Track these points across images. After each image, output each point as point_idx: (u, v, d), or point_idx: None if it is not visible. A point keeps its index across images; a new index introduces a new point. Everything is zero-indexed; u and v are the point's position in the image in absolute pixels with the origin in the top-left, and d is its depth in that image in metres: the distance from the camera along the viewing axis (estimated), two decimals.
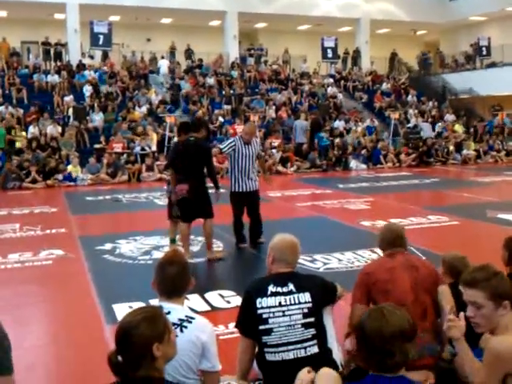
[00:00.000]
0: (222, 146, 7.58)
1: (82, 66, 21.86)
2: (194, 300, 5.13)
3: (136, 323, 2.16)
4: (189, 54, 25.17)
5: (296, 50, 27.40)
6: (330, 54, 25.87)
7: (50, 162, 15.25)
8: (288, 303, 3.16)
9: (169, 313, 2.80)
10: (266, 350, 3.16)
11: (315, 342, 3.17)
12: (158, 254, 6.88)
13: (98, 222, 10.22)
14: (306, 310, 3.16)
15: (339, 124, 20.86)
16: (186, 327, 2.81)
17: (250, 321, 3.20)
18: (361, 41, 28.06)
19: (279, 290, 3.19)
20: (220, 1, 24.98)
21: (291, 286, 3.20)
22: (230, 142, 7.47)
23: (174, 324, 2.77)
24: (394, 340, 2.14)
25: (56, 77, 20.81)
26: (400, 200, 11.83)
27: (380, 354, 2.14)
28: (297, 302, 3.17)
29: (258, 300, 3.17)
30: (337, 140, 19.08)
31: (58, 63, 22.57)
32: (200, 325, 2.86)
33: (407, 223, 8.82)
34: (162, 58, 24.28)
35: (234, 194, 7.38)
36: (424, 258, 4.71)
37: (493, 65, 25.96)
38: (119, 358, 2.15)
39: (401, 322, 2.19)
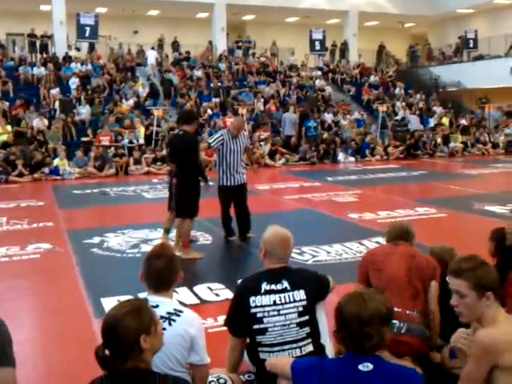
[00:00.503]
0: (210, 141, 7.49)
1: (68, 59, 21.67)
2: (182, 293, 5.13)
3: (122, 316, 2.16)
4: (176, 46, 25.04)
5: (284, 42, 27.37)
6: (317, 46, 25.86)
7: (36, 155, 15.11)
8: (283, 302, 3.10)
9: (157, 306, 2.80)
10: (259, 349, 3.12)
11: (310, 340, 3.14)
12: (147, 248, 6.86)
13: (85, 215, 10.17)
14: (300, 309, 3.12)
15: (327, 117, 20.89)
16: (174, 320, 2.80)
17: (242, 320, 3.14)
18: (349, 33, 28.06)
19: (273, 287, 3.13)
20: None
21: (285, 284, 3.15)
22: (219, 137, 7.35)
23: (162, 317, 2.77)
24: (371, 323, 2.21)
25: (42, 69, 20.61)
26: (388, 192, 11.89)
27: (358, 336, 2.22)
28: (291, 300, 3.12)
29: (252, 298, 3.10)
30: (325, 135, 19.06)
31: (44, 55, 22.35)
32: (188, 318, 2.85)
33: (395, 215, 8.88)
34: (152, 48, 24.12)
35: (222, 187, 7.34)
36: None
37: (480, 57, 26.09)
38: (106, 351, 2.15)
39: (379, 306, 2.26)
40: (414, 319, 3.35)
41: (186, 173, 6.52)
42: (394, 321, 3.14)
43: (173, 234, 6.92)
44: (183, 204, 6.56)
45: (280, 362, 2.79)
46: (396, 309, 3.13)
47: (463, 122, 22.63)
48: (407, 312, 3.35)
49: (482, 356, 2.39)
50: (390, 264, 3.54)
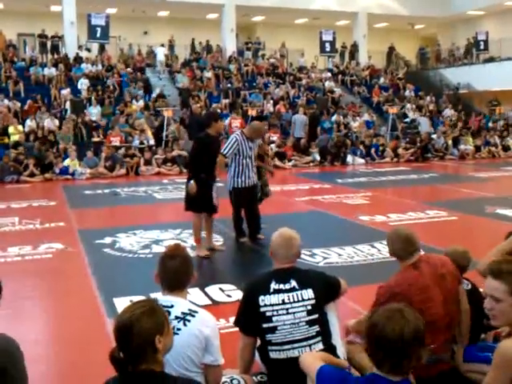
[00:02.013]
0: (224, 152, 7.22)
1: (78, 59, 21.79)
2: (194, 294, 5.14)
3: (136, 318, 2.15)
4: (193, 46, 25.04)
5: (293, 43, 27.36)
6: (327, 47, 25.81)
7: (48, 155, 15.21)
8: (291, 300, 3.14)
9: (172, 306, 2.82)
10: (269, 347, 3.15)
11: (320, 338, 3.16)
12: (158, 248, 6.90)
13: (97, 215, 10.21)
14: (309, 307, 3.14)
15: (337, 119, 20.86)
16: (189, 321, 2.81)
17: (251, 319, 3.17)
18: (358, 35, 28.01)
19: (282, 287, 3.17)
20: None
21: (294, 283, 3.18)
22: (233, 143, 7.15)
23: (177, 317, 2.79)
24: (413, 343, 2.10)
25: (53, 70, 20.73)
26: (398, 195, 11.86)
27: (398, 357, 2.10)
28: (300, 299, 3.15)
29: (261, 298, 3.14)
30: (335, 137, 19.03)
31: (55, 56, 22.47)
32: (203, 319, 2.86)
33: (406, 218, 8.86)
34: (162, 45, 24.25)
35: (236, 189, 7.29)
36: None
37: (491, 59, 25.96)
38: (121, 354, 2.15)
39: (420, 324, 2.15)
40: (441, 350, 3.30)
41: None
42: None
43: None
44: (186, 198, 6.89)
45: (309, 362, 2.74)
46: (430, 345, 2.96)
47: (471, 123, 22.54)
48: (439, 346, 3.27)
49: (503, 366, 2.32)
50: (431, 305, 3.22)
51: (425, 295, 3.22)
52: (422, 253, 3.51)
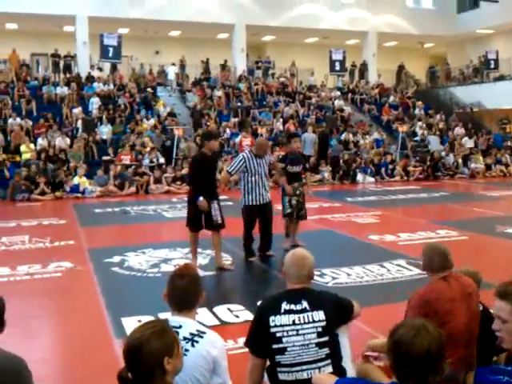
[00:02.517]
0: (229, 169, 7.54)
1: (90, 78, 22.04)
2: (202, 314, 5.11)
3: (146, 338, 2.15)
4: (206, 66, 25.26)
5: (303, 62, 27.51)
6: (337, 66, 25.92)
7: (59, 173, 15.32)
8: (302, 322, 3.09)
9: (180, 327, 2.80)
10: (278, 369, 3.11)
11: (329, 361, 3.12)
12: (167, 267, 6.89)
13: (106, 234, 10.25)
14: (320, 329, 3.10)
15: (347, 137, 20.88)
16: (197, 342, 2.79)
17: (262, 339, 3.13)
18: (368, 54, 28.13)
19: (293, 307, 3.13)
20: (228, 14, 25.14)
21: (305, 304, 3.14)
22: (240, 161, 7.37)
23: (185, 338, 2.77)
24: (439, 358, 2.10)
25: (65, 89, 20.98)
26: (408, 214, 11.80)
27: (424, 372, 2.08)
28: (311, 320, 3.11)
29: (271, 318, 3.10)
30: (346, 155, 19.06)
31: (68, 75, 22.74)
32: (211, 340, 2.84)
33: (416, 237, 8.81)
34: (173, 64, 24.53)
35: (248, 207, 7.36)
36: None
37: (501, 78, 25.96)
38: (129, 374, 2.14)
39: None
40: (459, 367, 3.27)
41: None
42: None
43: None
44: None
45: (323, 379, 2.73)
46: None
47: (480, 142, 22.47)
48: (456, 362, 3.25)
49: None
50: (454, 318, 3.30)
51: (450, 307, 3.29)
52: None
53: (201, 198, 6.72)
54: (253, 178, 7.30)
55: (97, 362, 4.31)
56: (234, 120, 21.00)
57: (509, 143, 22.69)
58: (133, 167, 16.47)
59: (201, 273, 6.37)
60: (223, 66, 25.44)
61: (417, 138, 22.16)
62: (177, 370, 2.26)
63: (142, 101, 21.44)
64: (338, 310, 3.25)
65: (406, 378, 2.11)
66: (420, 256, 3.67)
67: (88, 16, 22.84)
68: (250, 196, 7.32)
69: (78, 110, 19.56)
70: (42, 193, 14.73)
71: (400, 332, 2.15)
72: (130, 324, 4.87)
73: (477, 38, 28.80)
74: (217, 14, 24.89)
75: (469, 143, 21.91)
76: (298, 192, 8.20)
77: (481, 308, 3.67)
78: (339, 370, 3.15)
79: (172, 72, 24.18)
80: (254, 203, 7.33)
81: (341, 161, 18.64)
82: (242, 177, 7.42)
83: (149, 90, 22.17)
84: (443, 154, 19.89)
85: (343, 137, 20.75)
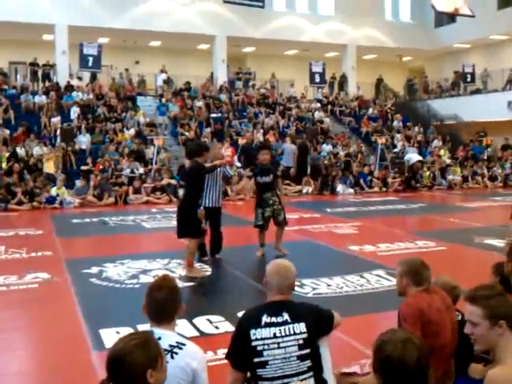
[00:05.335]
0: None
1: (70, 87, 21.87)
2: (182, 325, 5.06)
3: (129, 350, 2.12)
4: (169, 80, 25.17)
5: (283, 74, 27.70)
6: (317, 78, 26.20)
7: (37, 183, 15.12)
8: (283, 334, 3.06)
9: (159, 339, 2.76)
10: (260, 383, 3.07)
11: (311, 374, 3.09)
12: (146, 278, 6.83)
13: (84, 244, 10.13)
14: (301, 342, 3.07)
15: (326, 148, 21.01)
16: (176, 353, 2.76)
17: (243, 353, 3.09)
18: (347, 66, 28.43)
19: (274, 320, 3.09)
20: (209, 25, 25.21)
21: (286, 316, 3.11)
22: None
23: (164, 350, 2.73)
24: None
25: (44, 97, 20.79)
26: (387, 225, 11.88)
27: (416, 383, 2.11)
28: (292, 332, 3.07)
29: (252, 331, 3.06)
30: (325, 160, 19.24)
31: (47, 84, 22.54)
32: (191, 351, 2.81)
33: (395, 248, 8.87)
34: (161, 71, 24.60)
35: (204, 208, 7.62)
36: None
37: (477, 91, 26.40)
38: None
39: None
40: (441, 381, 3.28)
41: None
42: None
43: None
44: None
45: None
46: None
47: (460, 154, 22.81)
48: (438, 376, 3.25)
49: None
50: (444, 329, 3.30)
51: (439, 317, 3.29)
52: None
53: (201, 207, 7.23)
54: (214, 183, 7.97)
55: (74, 375, 4.24)
56: (208, 130, 20.88)
57: (485, 156, 23.11)
58: (112, 177, 16.32)
59: (180, 284, 6.33)
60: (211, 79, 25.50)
61: (396, 150, 22.39)
62: (160, 382, 2.23)
63: (122, 110, 21.35)
64: (318, 321, 3.22)
65: None
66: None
67: (68, 25, 22.73)
68: (206, 199, 7.86)
69: (56, 120, 19.39)
70: (20, 203, 14.52)
71: (387, 348, 2.12)
72: (109, 336, 4.81)
73: (454, 52, 29.32)
74: (198, 24, 24.97)
75: (446, 155, 22.23)
76: (270, 202, 8.34)
77: (459, 317, 3.70)
78: (321, 383, 3.13)
79: (160, 79, 24.20)
80: (209, 205, 7.86)
81: (322, 168, 18.74)
82: (207, 180, 7.89)
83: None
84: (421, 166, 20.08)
85: (325, 147, 20.91)
